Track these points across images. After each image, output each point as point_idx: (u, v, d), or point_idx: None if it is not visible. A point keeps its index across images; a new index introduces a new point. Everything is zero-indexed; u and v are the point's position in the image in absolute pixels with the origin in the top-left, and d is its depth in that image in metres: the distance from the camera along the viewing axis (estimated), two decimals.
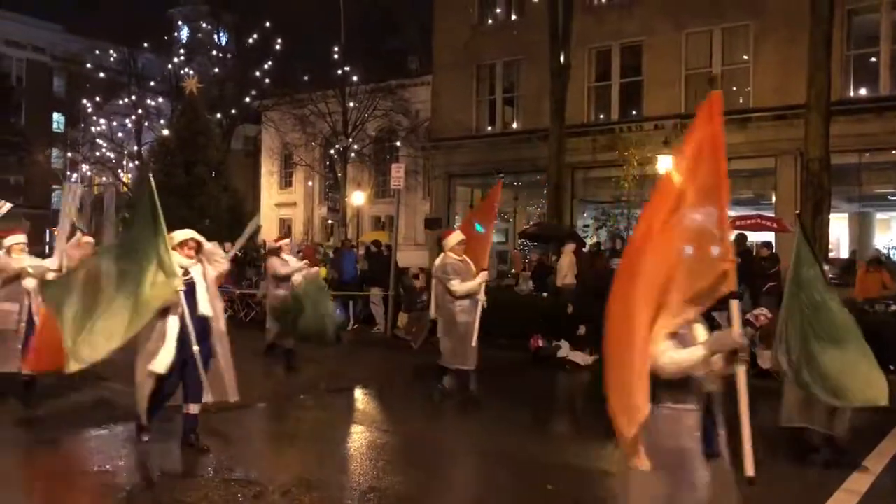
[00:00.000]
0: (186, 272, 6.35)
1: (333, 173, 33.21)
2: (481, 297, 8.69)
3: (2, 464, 6.40)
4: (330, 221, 34.11)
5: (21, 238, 8.28)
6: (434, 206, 25.83)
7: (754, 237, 16.70)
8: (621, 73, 22.03)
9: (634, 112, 21.77)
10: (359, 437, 7.66)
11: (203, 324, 6.41)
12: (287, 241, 11.89)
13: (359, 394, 9.87)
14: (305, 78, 31.05)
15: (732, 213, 19.31)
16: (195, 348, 6.27)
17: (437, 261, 8.88)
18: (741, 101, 20.12)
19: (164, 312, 6.24)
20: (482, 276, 8.66)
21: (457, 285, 8.47)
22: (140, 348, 6.33)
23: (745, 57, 20.05)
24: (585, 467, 6.49)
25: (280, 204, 37.52)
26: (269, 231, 32.55)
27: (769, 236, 17.04)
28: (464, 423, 8.40)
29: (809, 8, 14.44)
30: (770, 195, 20.09)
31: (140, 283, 6.10)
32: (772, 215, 18.06)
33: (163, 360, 6.23)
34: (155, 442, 6.64)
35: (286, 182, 37.92)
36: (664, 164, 19.20)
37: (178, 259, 6.34)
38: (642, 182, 20.48)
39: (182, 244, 6.46)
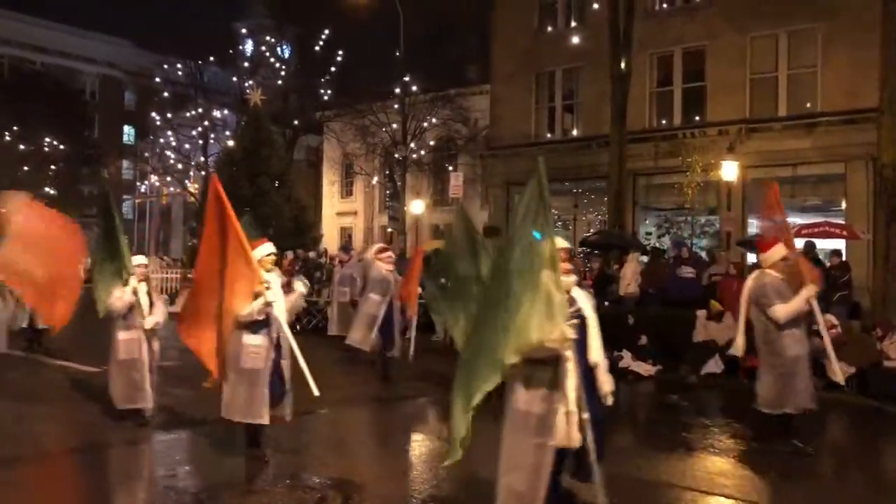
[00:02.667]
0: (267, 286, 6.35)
1: (393, 182, 33.47)
2: (819, 317, 7.35)
3: (69, 466, 6.62)
4: (390, 230, 34.35)
5: (142, 260, 8.07)
6: (492, 214, 25.79)
7: (823, 245, 16.20)
8: (684, 78, 21.71)
9: (697, 118, 21.41)
10: (418, 445, 7.70)
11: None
12: (389, 253, 11.51)
13: (419, 402, 9.90)
14: (366, 88, 31.42)
15: (799, 219, 18.91)
16: (284, 362, 6.47)
17: (751, 280, 7.41)
18: (808, 105, 19.62)
19: (254, 324, 6.30)
20: (808, 291, 7.11)
21: (779, 310, 7.03)
22: (228, 361, 6.38)
23: (813, 60, 19.53)
24: (648, 480, 6.39)
25: (341, 213, 37.95)
26: (330, 240, 32.98)
27: (838, 244, 16.51)
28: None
29: (882, 7, 13.98)
30: (839, 202, 19.51)
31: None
32: (841, 222, 17.51)
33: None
34: (219, 448, 6.78)
35: (347, 191, 38.35)
36: (728, 170, 18.87)
37: (262, 274, 6.34)
38: (706, 188, 20.12)
39: (262, 260, 6.48)
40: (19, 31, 47.10)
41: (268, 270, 6.50)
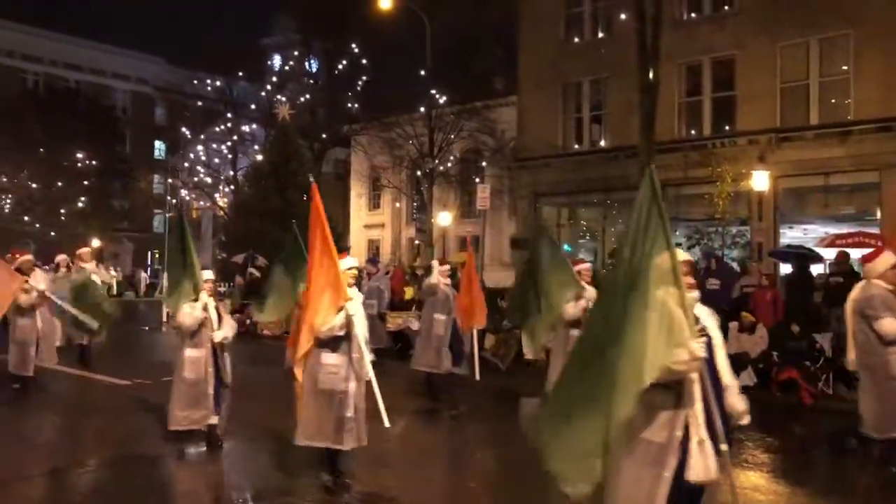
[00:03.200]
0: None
1: (420, 194, 33.56)
2: None
3: (101, 478, 6.66)
4: (417, 242, 34.42)
5: (209, 275, 7.69)
6: (520, 226, 25.71)
7: (858, 255, 15.91)
8: (713, 87, 21.52)
9: (727, 127, 21.19)
10: (448, 460, 7.64)
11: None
12: (446, 267, 10.87)
13: (447, 416, 9.81)
14: (393, 101, 31.60)
15: (833, 229, 18.60)
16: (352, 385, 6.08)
17: (857, 291, 7.04)
18: (841, 113, 19.32)
19: (333, 341, 5.97)
20: None
21: (887, 324, 6.59)
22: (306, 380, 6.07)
23: (845, 67, 19.26)
24: None
25: (369, 225, 38.10)
26: (358, 252, 33.10)
27: None
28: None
29: None
30: (874, 211, 19.17)
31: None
32: (876, 232, 17.20)
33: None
34: (252, 460, 6.78)
35: (374, 204, 38.50)
36: (759, 180, 18.62)
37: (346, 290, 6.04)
38: (737, 199, 19.88)
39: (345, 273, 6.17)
40: (54, 49, 48.13)
41: (349, 285, 6.20)
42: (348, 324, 5.93)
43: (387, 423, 5.92)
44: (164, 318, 21.59)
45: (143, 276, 40.18)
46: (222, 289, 23.12)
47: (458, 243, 34.24)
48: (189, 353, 7.22)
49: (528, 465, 4.53)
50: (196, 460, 7.12)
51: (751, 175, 18.71)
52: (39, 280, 10.09)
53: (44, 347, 9.94)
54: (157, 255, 52.24)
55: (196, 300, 7.25)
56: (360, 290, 11.01)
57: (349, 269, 6.35)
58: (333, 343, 5.96)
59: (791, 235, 20.40)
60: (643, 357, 3.53)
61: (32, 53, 47.42)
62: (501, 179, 30.70)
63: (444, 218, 29.07)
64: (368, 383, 6.06)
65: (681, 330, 3.63)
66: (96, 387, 10.84)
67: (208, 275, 7.59)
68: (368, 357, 6.07)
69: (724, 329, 11.82)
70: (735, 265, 17.14)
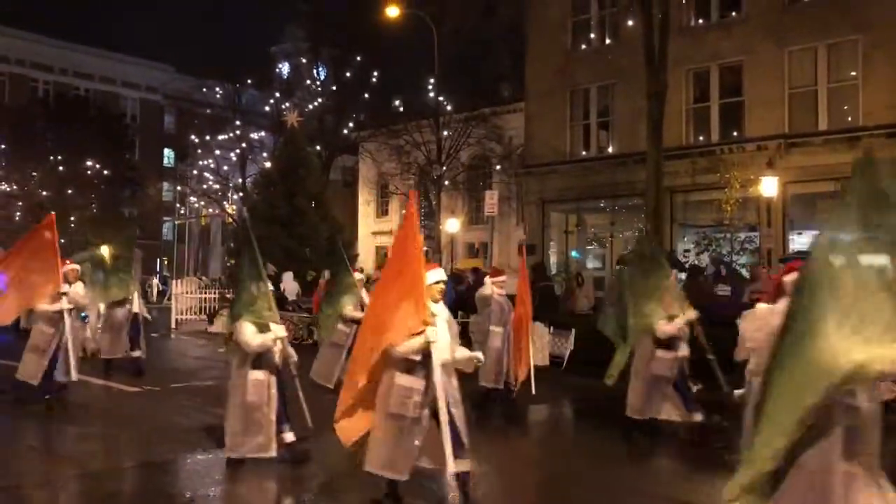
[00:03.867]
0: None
1: (428, 201, 33.61)
2: None
3: (114, 485, 6.69)
4: (425, 249, 34.47)
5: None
6: (528, 232, 25.72)
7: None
8: (721, 93, 21.50)
9: (735, 133, 21.16)
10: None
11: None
12: (503, 277, 10.28)
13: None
14: (401, 109, 31.71)
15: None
16: (455, 410, 5.51)
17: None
18: (850, 119, 19.28)
19: (409, 361, 5.44)
20: None
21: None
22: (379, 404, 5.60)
23: (854, 73, 19.23)
24: (697, 502, 6.27)
25: (377, 232, 38.17)
26: (366, 260, 33.14)
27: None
28: (561, 454, 8.24)
29: None
30: None
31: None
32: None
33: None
34: (260, 468, 6.79)
35: (382, 210, 38.58)
36: (768, 186, 18.59)
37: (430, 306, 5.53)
38: (745, 205, 19.84)
39: (428, 288, 5.60)
40: (64, 58, 48.46)
41: (434, 300, 5.65)
42: (428, 345, 5.34)
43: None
44: (174, 325, 21.67)
45: (155, 283, 40.32)
46: (231, 295, 23.17)
47: (467, 250, 34.28)
48: (253, 374, 6.65)
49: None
50: (206, 466, 7.13)
51: (759, 181, 18.67)
52: (78, 294, 9.67)
53: (63, 360, 9.18)
54: (166, 263, 52.45)
55: (261, 320, 6.75)
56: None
57: (436, 282, 5.72)
58: (409, 363, 5.44)
59: (800, 241, 20.32)
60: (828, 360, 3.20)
61: (43, 62, 47.75)
62: (509, 186, 30.75)
63: (452, 224, 29.11)
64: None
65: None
66: (106, 393, 10.87)
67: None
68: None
69: (733, 336, 11.80)
70: (744, 271, 17.09)
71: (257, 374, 6.65)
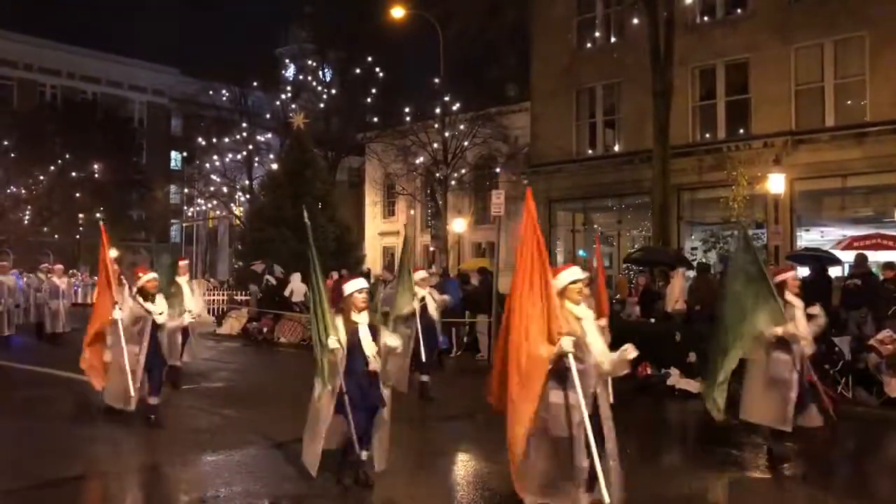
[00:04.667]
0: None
1: (434, 201, 33.62)
2: None
3: (121, 486, 6.73)
4: (432, 249, 34.46)
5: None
6: None
7: (876, 257, 15.78)
8: (727, 91, 21.45)
9: (742, 130, 21.11)
10: (464, 466, 7.65)
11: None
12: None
13: (463, 422, 9.84)
14: (406, 109, 31.73)
15: (851, 231, 18.48)
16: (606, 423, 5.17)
17: None
18: (857, 115, 19.21)
19: (558, 375, 5.02)
20: None
21: None
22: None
23: (860, 69, 19.16)
24: (700, 499, 6.26)
25: (383, 233, 38.21)
26: (373, 260, 33.18)
27: (891, 256, 16.07)
28: None
29: None
30: (892, 213, 19.02)
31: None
32: (894, 234, 17.07)
33: None
34: (265, 468, 6.81)
35: (389, 211, 38.61)
36: (775, 183, 18.54)
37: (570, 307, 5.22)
38: (752, 202, 19.79)
39: (566, 289, 5.25)
40: (71, 62, 48.67)
41: (576, 302, 5.25)
42: (577, 348, 4.94)
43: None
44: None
45: None
46: (239, 297, 23.26)
47: (473, 249, 34.29)
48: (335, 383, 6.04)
49: None
50: (216, 468, 7.16)
51: (766, 178, 18.63)
52: (159, 308, 8.64)
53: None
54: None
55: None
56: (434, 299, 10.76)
57: (573, 282, 5.29)
58: (558, 376, 4.98)
59: (808, 238, 20.28)
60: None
61: (50, 66, 47.96)
62: (515, 185, 30.71)
63: (458, 224, 29.13)
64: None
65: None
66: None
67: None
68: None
69: None
70: None
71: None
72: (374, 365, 6.12)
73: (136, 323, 8.44)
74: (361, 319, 6.18)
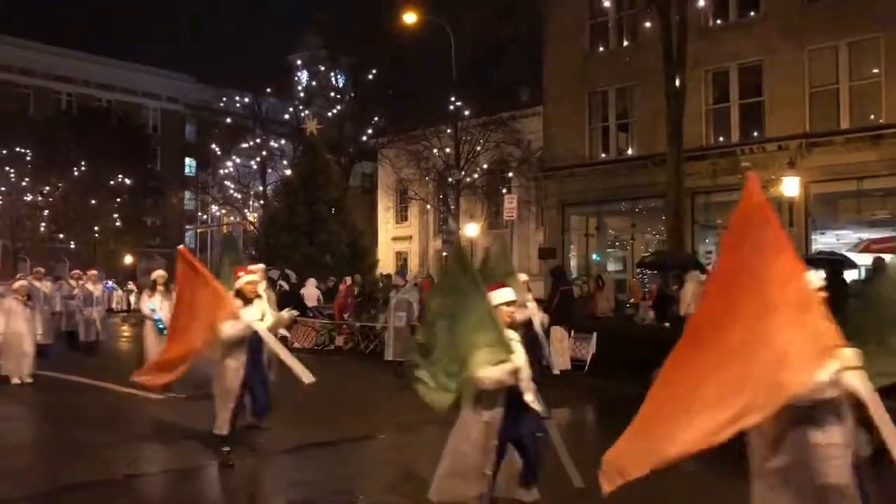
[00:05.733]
0: None
1: (447, 206, 33.66)
2: None
3: (136, 491, 6.75)
4: (444, 253, 34.49)
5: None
6: (547, 236, 25.67)
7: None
8: (740, 93, 21.34)
9: (756, 133, 21.00)
10: None
11: None
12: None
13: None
14: (419, 115, 31.81)
15: (867, 234, 18.34)
16: None
17: None
18: (872, 117, 19.07)
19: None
20: None
21: None
22: None
23: (876, 70, 19.02)
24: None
25: (396, 238, 38.28)
26: (386, 265, 33.21)
27: None
28: (581, 457, 8.18)
29: None
30: None
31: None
32: None
33: None
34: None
35: (402, 216, 38.69)
36: (789, 186, 18.43)
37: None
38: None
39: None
40: (86, 69, 49.09)
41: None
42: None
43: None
44: None
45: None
46: None
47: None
48: (487, 414, 5.17)
49: None
50: (230, 474, 7.17)
51: (781, 181, 18.52)
52: (257, 313, 7.33)
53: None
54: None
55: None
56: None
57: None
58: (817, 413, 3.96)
59: (823, 241, 20.14)
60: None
61: (65, 74, 48.40)
62: (528, 189, 30.70)
63: (471, 229, 29.13)
64: None
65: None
66: (129, 401, 10.95)
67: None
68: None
69: None
70: None
71: (489, 414, 5.25)
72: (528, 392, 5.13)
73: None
74: (512, 336, 5.15)
